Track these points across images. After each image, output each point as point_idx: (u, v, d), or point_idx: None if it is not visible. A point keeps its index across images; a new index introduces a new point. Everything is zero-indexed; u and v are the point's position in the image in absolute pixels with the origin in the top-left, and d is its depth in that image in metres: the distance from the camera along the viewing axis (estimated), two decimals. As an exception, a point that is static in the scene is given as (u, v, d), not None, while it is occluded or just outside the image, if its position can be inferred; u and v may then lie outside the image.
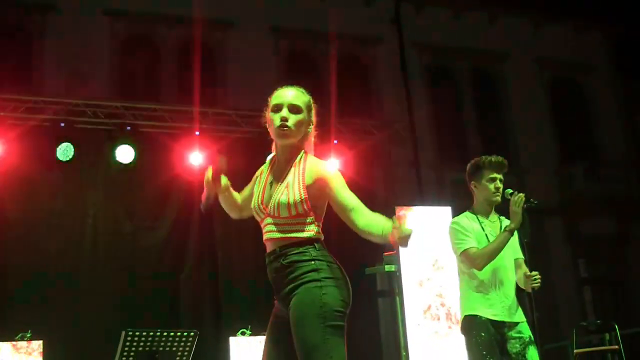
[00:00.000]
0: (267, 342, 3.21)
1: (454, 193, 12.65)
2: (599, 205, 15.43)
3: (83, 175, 9.02)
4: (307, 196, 3.11)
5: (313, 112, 3.32)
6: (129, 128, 9.07)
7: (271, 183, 3.27)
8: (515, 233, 4.57)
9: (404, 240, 2.83)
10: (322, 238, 3.18)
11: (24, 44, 12.73)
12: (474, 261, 4.46)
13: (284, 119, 3.20)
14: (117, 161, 8.98)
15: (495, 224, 4.63)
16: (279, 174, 3.26)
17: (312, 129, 3.32)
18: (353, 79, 14.83)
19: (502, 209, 4.69)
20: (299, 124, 3.23)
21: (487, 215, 4.65)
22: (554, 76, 16.85)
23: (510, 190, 4.56)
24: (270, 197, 3.20)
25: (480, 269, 4.47)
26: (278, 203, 3.12)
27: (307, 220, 3.13)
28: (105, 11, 13.00)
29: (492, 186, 4.58)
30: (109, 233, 8.97)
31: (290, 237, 3.11)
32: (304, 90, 3.33)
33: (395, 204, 8.19)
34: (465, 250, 4.49)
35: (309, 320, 2.95)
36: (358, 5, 14.87)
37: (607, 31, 17.40)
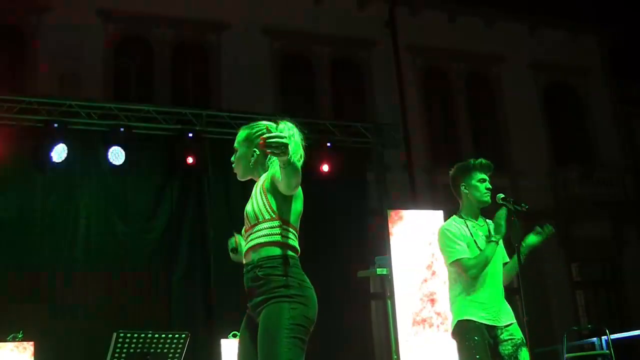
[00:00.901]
0: (239, 345, 3.43)
1: (446, 197, 12.62)
2: (593, 208, 15.46)
3: (76, 176, 9.01)
4: (266, 199, 3.32)
5: (253, 141, 3.51)
6: (122, 129, 9.06)
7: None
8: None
9: (271, 143, 2.91)
10: (296, 246, 3.35)
11: (17, 45, 12.71)
12: (467, 271, 4.48)
13: (232, 163, 3.61)
14: (111, 162, 8.96)
15: (484, 228, 4.64)
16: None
17: (253, 157, 3.52)
18: (347, 82, 14.86)
19: (489, 212, 4.70)
20: (238, 159, 3.57)
21: (474, 218, 4.66)
22: (548, 80, 16.88)
23: (502, 195, 4.56)
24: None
25: (474, 279, 4.49)
26: (246, 213, 3.40)
27: (271, 224, 3.31)
28: (99, 12, 12.98)
29: (482, 187, 4.60)
30: (102, 234, 8.96)
31: (259, 243, 3.30)
32: (245, 126, 3.63)
33: (387, 207, 8.18)
34: (457, 260, 4.50)
35: (274, 331, 3.14)
36: (352, 7, 14.88)
37: (602, 35, 17.45)
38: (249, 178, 3.59)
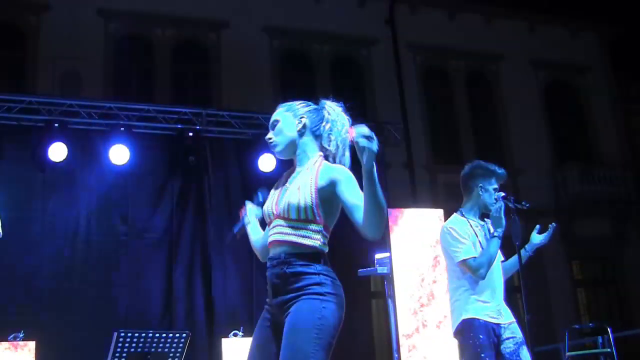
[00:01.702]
0: (253, 344, 3.18)
1: (447, 195, 12.68)
2: (594, 206, 15.47)
3: (77, 176, 9.00)
4: (317, 200, 3.07)
5: (298, 111, 3.31)
6: (122, 129, 9.05)
7: (286, 187, 3.24)
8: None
9: (364, 140, 2.78)
10: (327, 251, 3.13)
11: (18, 44, 12.71)
12: (475, 271, 4.44)
13: (268, 139, 3.31)
14: (111, 162, 8.96)
15: (484, 227, 4.65)
16: (292, 178, 3.24)
17: (302, 123, 3.28)
18: (347, 80, 14.86)
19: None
20: (279, 132, 3.28)
21: (477, 218, 4.66)
22: (548, 77, 16.90)
23: (502, 193, 4.55)
24: (282, 199, 3.18)
25: (483, 278, 4.48)
26: (288, 204, 3.10)
27: (315, 228, 3.09)
28: (99, 11, 12.99)
29: (494, 196, 4.59)
30: (103, 234, 8.95)
31: (296, 242, 3.08)
32: (281, 104, 3.39)
33: (388, 206, 8.16)
34: (464, 260, 4.47)
35: (304, 328, 2.93)
36: (352, 5, 14.89)
37: (602, 32, 17.45)
38: (288, 157, 3.31)
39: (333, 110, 3.27)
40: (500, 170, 4.64)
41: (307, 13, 14.38)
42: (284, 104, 3.38)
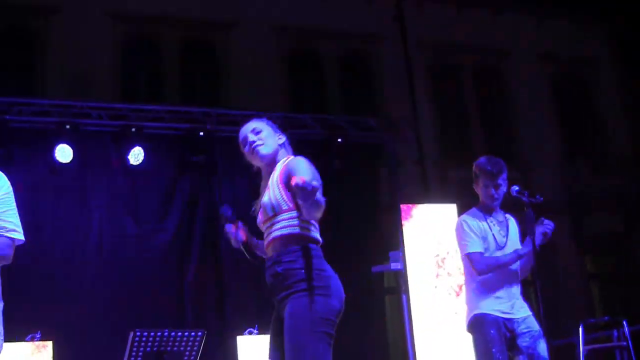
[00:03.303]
0: (270, 338, 3.40)
1: (459, 190, 12.61)
2: (605, 201, 15.40)
3: (88, 177, 9.04)
4: (282, 189, 3.32)
5: (272, 128, 3.63)
6: (133, 130, 9.08)
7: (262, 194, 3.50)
8: (516, 228, 4.63)
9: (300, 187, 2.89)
10: (317, 238, 3.33)
11: (27, 47, 12.75)
12: (476, 266, 4.51)
13: (252, 142, 3.57)
14: (122, 163, 8.99)
15: (502, 223, 4.63)
16: (265, 185, 3.52)
17: (282, 139, 3.62)
18: (356, 77, 14.85)
19: (510, 205, 4.71)
20: (265, 138, 3.58)
21: (492, 212, 4.66)
22: (557, 71, 16.82)
23: (516, 188, 4.55)
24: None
25: (479, 275, 4.50)
26: (263, 205, 3.39)
27: (289, 215, 3.31)
28: (108, 13, 13.02)
29: (487, 193, 4.60)
30: (114, 235, 8.97)
31: (278, 235, 3.30)
32: (259, 119, 3.70)
33: (400, 202, 8.17)
34: (471, 253, 4.51)
35: (297, 327, 3.11)
36: (360, 3, 14.86)
37: (611, 26, 17.36)
38: (264, 162, 3.58)
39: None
40: (481, 168, 4.61)
41: (314, 11, 14.37)
42: (259, 119, 3.69)
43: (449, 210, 7.97)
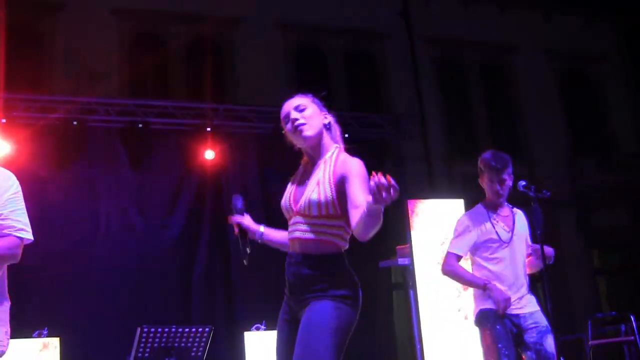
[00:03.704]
0: (278, 339, 3.23)
1: (465, 185, 12.63)
2: (612, 195, 15.37)
3: (95, 174, 9.06)
4: (335, 194, 3.06)
5: (321, 106, 3.37)
6: (140, 126, 9.09)
7: (303, 181, 3.24)
8: (525, 223, 4.63)
9: (382, 199, 2.67)
10: (346, 247, 3.15)
11: (34, 44, 12.78)
12: (445, 264, 4.65)
13: (295, 120, 3.24)
14: (130, 159, 9.01)
15: (508, 218, 4.63)
16: (310, 172, 3.24)
17: (328, 119, 3.34)
18: (362, 74, 14.84)
19: (517, 200, 4.71)
20: (309, 117, 3.26)
21: (499, 209, 4.64)
22: (564, 67, 16.79)
23: (523, 183, 4.54)
24: (301, 194, 3.17)
25: (442, 273, 4.69)
26: (309, 200, 3.09)
27: (336, 223, 3.09)
28: (114, 10, 13.04)
29: (492, 188, 4.60)
30: (122, 230, 9.00)
31: (318, 240, 3.08)
32: (303, 95, 3.38)
33: (406, 198, 8.17)
34: (449, 252, 4.61)
35: (318, 328, 2.97)
36: (366, -1, 14.86)
37: (618, 22, 17.31)
38: (310, 144, 3.27)
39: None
40: (486, 163, 4.61)
41: (320, 7, 14.36)
42: (303, 95, 3.38)
43: (456, 205, 7.96)
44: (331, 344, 2.93)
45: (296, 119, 3.24)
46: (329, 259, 3.08)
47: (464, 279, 4.63)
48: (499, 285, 4.40)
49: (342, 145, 3.32)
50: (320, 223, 3.08)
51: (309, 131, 3.24)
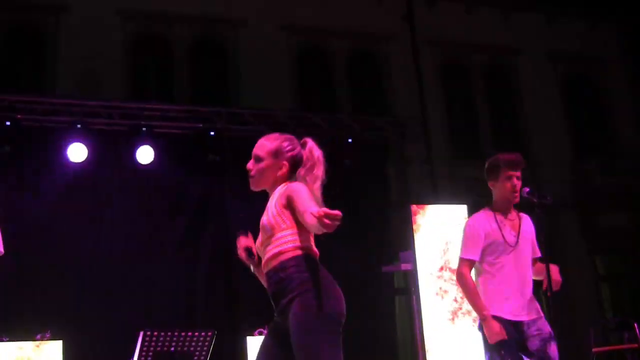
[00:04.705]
0: (262, 348, 3.46)
1: (468, 190, 12.61)
2: (615, 199, 15.33)
3: (98, 176, 9.06)
4: (280, 209, 3.32)
5: (284, 154, 3.51)
6: (144, 129, 9.10)
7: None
8: (531, 228, 4.61)
9: (327, 226, 2.92)
10: (315, 253, 3.38)
11: (37, 45, 12.79)
12: (457, 273, 4.62)
13: (249, 169, 3.55)
14: (133, 161, 9.01)
15: (515, 222, 4.60)
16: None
17: (284, 169, 3.50)
18: (365, 76, 14.82)
19: (520, 206, 4.69)
20: (259, 172, 3.51)
21: (506, 213, 4.61)
22: (567, 70, 16.76)
23: (527, 189, 4.53)
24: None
25: (455, 281, 4.67)
26: (262, 226, 3.39)
27: (285, 232, 3.33)
28: (118, 11, 13.04)
29: (509, 185, 4.55)
30: (125, 233, 9.00)
31: (275, 252, 3.33)
32: (276, 137, 3.58)
33: (410, 202, 8.17)
34: (463, 257, 4.57)
35: (302, 327, 3.16)
36: (370, 1, 14.85)
37: (621, 24, 17.29)
38: (259, 190, 3.57)
39: (313, 157, 3.50)
40: (504, 157, 4.60)
41: (324, 10, 14.35)
42: (269, 138, 3.58)
43: (460, 210, 7.95)
44: (324, 336, 3.15)
45: (250, 169, 3.53)
46: (299, 259, 3.29)
47: (470, 297, 4.57)
48: (494, 322, 4.39)
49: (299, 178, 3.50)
50: (278, 237, 3.33)
51: (256, 184, 3.55)
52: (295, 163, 3.51)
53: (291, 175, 3.50)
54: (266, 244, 3.38)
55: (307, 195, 3.27)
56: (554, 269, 4.48)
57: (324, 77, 14.51)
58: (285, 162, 3.49)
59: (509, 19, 16.06)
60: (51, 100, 9.08)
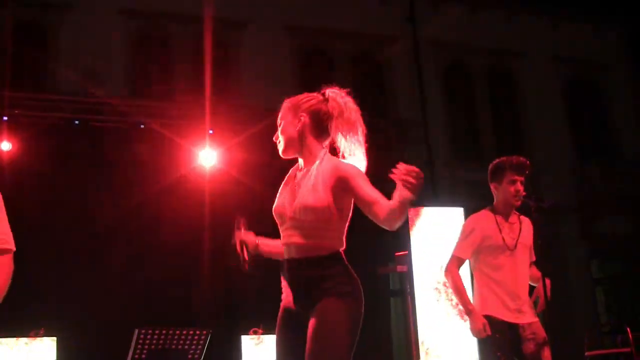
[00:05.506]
0: (280, 347, 3.17)
1: (467, 193, 12.61)
2: (615, 204, 15.32)
3: (98, 174, 9.06)
4: (331, 199, 3.04)
5: (301, 107, 3.26)
6: (143, 126, 9.10)
7: (295, 186, 3.20)
8: (531, 231, 4.60)
9: (415, 184, 2.81)
10: (344, 248, 3.14)
11: (39, 42, 12.79)
12: (445, 269, 4.66)
13: (275, 138, 3.29)
14: (132, 159, 9.01)
15: (515, 226, 4.59)
16: (302, 177, 3.19)
17: (303, 119, 3.23)
18: (367, 78, 14.81)
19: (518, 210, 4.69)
20: (283, 132, 3.25)
21: (506, 216, 4.61)
22: (570, 74, 16.75)
23: (524, 193, 4.52)
24: (294, 199, 3.14)
25: (444, 276, 4.69)
26: (303, 206, 3.06)
27: (332, 226, 3.09)
28: (120, 10, 13.05)
29: (512, 189, 4.54)
30: (123, 231, 9.00)
31: (314, 244, 3.07)
32: (288, 99, 3.34)
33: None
34: (454, 256, 4.60)
35: (330, 327, 2.95)
36: (373, 3, 14.85)
37: (625, 29, 17.28)
38: (291, 156, 3.29)
39: (337, 103, 3.27)
40: (510, 161, 4.60)
41: (327, 11, 14.35)
42: (289, 99, 3.34)
43: (457, 213, 7.94)
44: (344, 342, 2.93)
45: (276, 139, 3.28)
46: (329, 260, 3.06)
47: (457, 292, 4.60)
48: (479, 317, 4.42)
49: (327, 142, 3.27)
50: (317, 227, 3.06)
51: (281, 149, 3.27)
52: (318, 117, 3.23)
53: (319, 134, 3.24)
54: (301, 225, 3.08)
55: (367, 181, 3.06)
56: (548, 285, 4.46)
57: (326, 78, 14.45)
58: (303, 114, 3.22)
59: (513, 22, 16.06)
60: (51, 96, 9.08)
